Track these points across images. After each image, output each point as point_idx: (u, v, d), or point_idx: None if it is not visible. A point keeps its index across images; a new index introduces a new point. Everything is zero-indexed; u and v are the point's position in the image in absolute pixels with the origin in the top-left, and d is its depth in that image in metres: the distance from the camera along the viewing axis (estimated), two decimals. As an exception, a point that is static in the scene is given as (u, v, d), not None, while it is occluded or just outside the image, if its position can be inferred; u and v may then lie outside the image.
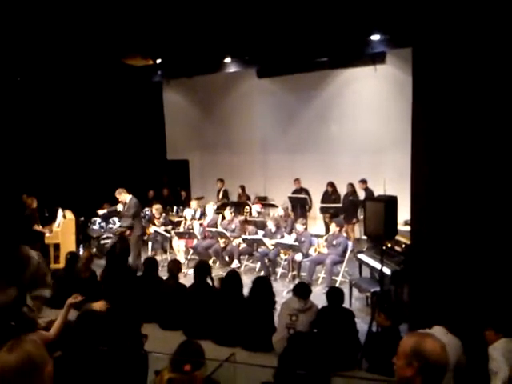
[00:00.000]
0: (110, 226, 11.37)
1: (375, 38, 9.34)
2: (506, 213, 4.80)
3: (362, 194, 11.25)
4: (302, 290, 5.47)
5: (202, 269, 6.26)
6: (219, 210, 11.94)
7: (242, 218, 11.37)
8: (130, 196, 9.48)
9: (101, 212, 10.96)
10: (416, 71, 5.45)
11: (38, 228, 10.12)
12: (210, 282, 6.23)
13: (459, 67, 4.95)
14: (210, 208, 10.76)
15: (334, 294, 5.48)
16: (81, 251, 10.47)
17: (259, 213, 11.34)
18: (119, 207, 9.70)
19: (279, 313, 5.55)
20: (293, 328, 5.22)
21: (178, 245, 10.26)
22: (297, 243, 8.94)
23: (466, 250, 5.02)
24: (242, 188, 13.23)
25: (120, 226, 9.97)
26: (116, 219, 11.19)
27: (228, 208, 10.74)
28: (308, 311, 5.32)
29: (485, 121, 4.84)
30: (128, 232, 9.56)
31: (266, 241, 9.30)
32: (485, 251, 4.90)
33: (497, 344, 4.13)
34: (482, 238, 4.92)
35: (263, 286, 5.85)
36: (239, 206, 12.38)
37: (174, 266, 6.62)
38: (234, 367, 3.57)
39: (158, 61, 10.98)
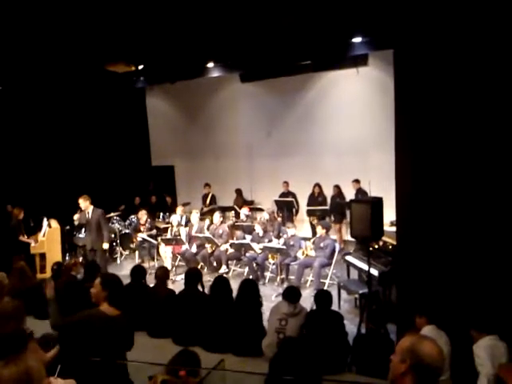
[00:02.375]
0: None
1: (357, 40, 9.39)
2: (491, 211, 4.84)
3: (349, 195, 11.26)
4: (291, 294, 5.46)
5: (193, 276, 6.22)
6: (205, 215, 11.91)
7: (230, 222, 11.35)
8: (92, 207, 9.00)
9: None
10: (398, 72, 5.49)
11: (24, 239, 10.00)
12: (200, 288, 6.20)
13: (440, 68, 5.00)
14: (195, 216, 10.61)
15: (322, 297, 5.48)
16: (67, 260, 10.41)
17: (247, 216, 11.32)
18: (76, 219, 9.27)
19: (268, 317, 5.54)
20: (282, 332, 5.20)
21: (165, 251, 10.20)
22: (284, 247, 8.94)
23: (453, 250, 5.06)
24: (238, 192, 13.24)
25: (92, 249, 9.08)
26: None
27: (218, 212, 10.72)
28: (297, 315, 5.31)
29: (467, 120, 4.89)
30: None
31: (254, 245, 9.29)
32: (471, 250, 4.94)
33: (480, 342, 4.19)
34: (467, 236, 4.96)
35: (250, 288, 5.85)
36: (227, 211, 12.37)
37: (163, 273, 6.58)
38: (223, 373, 3.55)
39: (141, 67, 10.93)
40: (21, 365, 2.09)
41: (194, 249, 10.02)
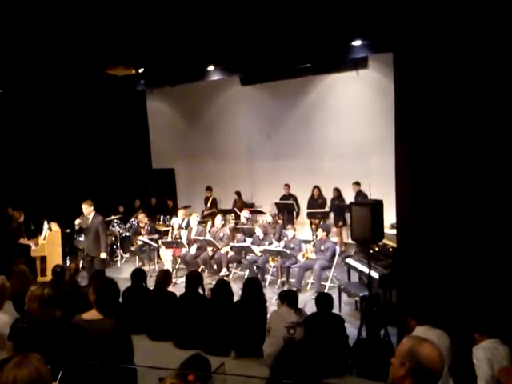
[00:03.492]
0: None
1: (357, 43, 9.37)
2: (491, 213, 4.84)
3: (350, 198, 11.23)
4: (294, 301, 5.44)
5: (194, 279, 6.21)
6: (205, 218, 11.90)
7: (231, 225, 11.34)
8: (94, 212, 8.55)
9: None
10: (397, 75, 5.50)
11: (24, 241, 10.00)
12: (201, 291, 6.20)
13: (440, 71, 5.01)
14: (194, 220, 10.61)
15: (323, 299, 5.47)
16: (68, 263, 10.39)
17: (248, 219, 11.31)
18: (78, 223, 9.02)
19: (271, 322, 5.50)
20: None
21: (166, 254, 10.19)
22: (285, 250, 8.93)
23: (453, 252, 5.05)
24: (238, 194, 13.22)
25: (87, 255, 8.76)
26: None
27: (220, 215, 10.72)
28: (303, 324, 5.30)
29: (467, 123, 4.90)
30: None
31: (254, 248, 9.29)
32: (471, 252, 4.94)
33: (480, 344, 4.20)
34: (468, 239, 4.96)
35: (254, 286, 5.84)
36: (227, 214, 12.36)
37: (164, 276, 6.57)
38: (224, 376, 3.55)
39: (141, 70, 10.93)
40: (30, 365, 2.19)
41: (192, 251, 10.00)
